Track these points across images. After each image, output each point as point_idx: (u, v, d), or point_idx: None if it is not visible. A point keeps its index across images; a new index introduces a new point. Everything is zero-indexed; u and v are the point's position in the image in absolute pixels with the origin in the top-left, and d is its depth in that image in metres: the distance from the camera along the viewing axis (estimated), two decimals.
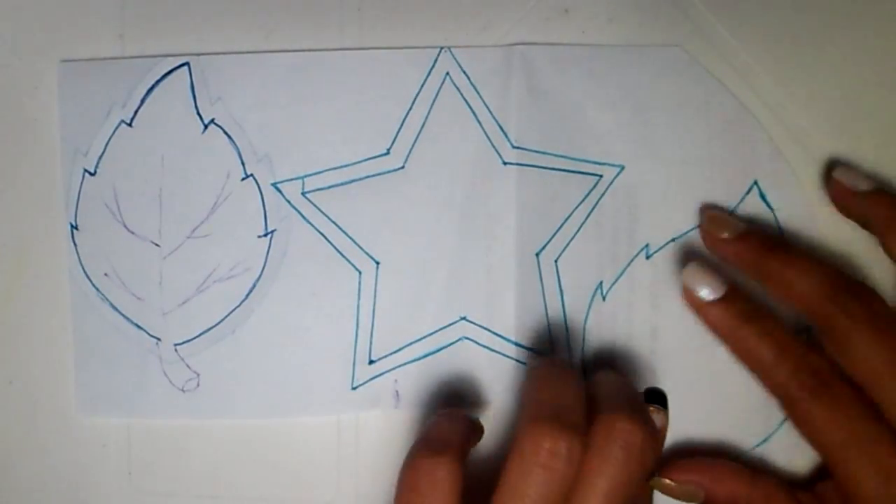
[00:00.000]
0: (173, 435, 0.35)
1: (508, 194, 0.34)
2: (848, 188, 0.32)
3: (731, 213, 0.33)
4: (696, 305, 0.31)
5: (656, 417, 0.30)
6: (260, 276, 0.34)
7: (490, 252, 0.34)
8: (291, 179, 0.34)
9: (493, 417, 0.34)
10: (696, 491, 0.31)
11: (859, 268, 0.34)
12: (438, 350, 0.34)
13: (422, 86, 0.34)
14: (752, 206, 0.34)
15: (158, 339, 0.34)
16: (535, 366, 0.31)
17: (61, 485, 0.35)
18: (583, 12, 0.34)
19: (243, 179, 0.34)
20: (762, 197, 0.34)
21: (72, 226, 0.34)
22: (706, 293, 0.31)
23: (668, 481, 0.32)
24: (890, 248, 0.31)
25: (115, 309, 0.34)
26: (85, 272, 0.34)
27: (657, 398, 0.31)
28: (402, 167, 0.34)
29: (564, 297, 0.34)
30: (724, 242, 0.32)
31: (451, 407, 0.33)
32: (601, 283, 0.34)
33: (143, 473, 0.35)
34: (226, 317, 0.34)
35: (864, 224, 0.32)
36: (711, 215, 0.33)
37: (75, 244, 0.34)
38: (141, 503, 0.35)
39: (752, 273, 0.32)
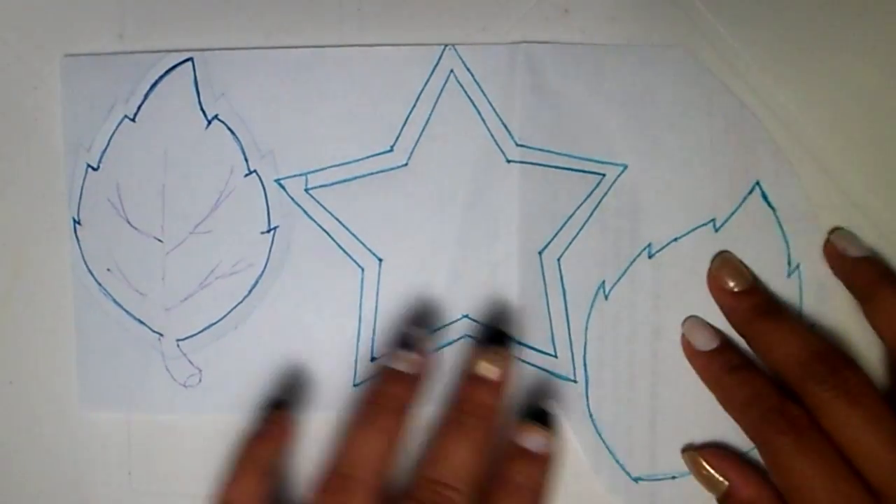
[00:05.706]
0: (173, 434, 0.35)
1: (512, 192, 0.34)
2: (839, 252, 0.33)
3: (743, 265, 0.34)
4: (689, 353, 0.33)
5: (536, 438, 0.31)
6: (262, 272, 0.34)
7: (493, 250, 0.34)
8: (295, 176, 0.34)
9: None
10: (721, 483, 0.32)
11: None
12: (441, 348, 0.34)
13: (426, 83, 0.34)
14: (754, 207, 0.34)
15: (161, 335, 0.34)
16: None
17: (61, 483, 0.35)
18: (583, 12, 0.34)
19: (246, 175, 0.34)
20: (764, 197, 0.34)
21: (74, 221, 0.34)
22: (701, 343, 0.33)
23: (702, 461, 0.33)
24: (868, 315, 0.32)
25: (118, 304, 0.34)
26: (87, 267, 0.34)
27: (541, 416, 0.32)
28: (406, 164, 0.34)
29: (567, 296, 0.34)
30: (728, 294, 0.33)
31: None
32: (603, 282, 0.34)
33: (143, 473, 0.35)
34: (228, 313, 0.34)
35: (850, 288, 0.33)
36: (724, 257, 0.33)
37: (78, 239, 0.34)
38: (141, 503, 0.35)
39: (742, 331, 0.33)
